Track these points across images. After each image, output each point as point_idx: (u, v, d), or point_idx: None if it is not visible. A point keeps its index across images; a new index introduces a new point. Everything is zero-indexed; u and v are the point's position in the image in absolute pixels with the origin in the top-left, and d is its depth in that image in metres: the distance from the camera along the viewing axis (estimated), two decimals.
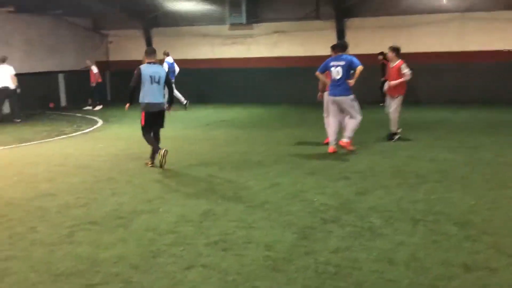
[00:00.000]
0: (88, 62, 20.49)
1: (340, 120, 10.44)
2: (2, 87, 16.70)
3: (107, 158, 10.32)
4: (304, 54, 20.11)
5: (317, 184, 7.92)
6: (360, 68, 9.96)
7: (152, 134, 9.50)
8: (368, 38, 19.66)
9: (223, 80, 21.61)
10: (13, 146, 12.10)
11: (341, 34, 19.92)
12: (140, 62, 9.74)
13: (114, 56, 23.34)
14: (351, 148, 10.25)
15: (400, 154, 10.03)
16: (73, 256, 5.21)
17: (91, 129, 14.74)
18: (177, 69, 19.16)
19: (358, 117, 10.25)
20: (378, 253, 5.14)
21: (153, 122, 9.42)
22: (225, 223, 6.13)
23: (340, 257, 5.06)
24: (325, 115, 11.06)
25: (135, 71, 9.24)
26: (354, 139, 10.72)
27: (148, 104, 9.24)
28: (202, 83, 21.89)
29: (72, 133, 13.94)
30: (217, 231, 5.86)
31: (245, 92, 21.31)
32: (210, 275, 4.69)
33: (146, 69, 9.21)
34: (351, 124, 10.22)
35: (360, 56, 18.48)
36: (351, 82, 10.06)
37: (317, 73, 10.63)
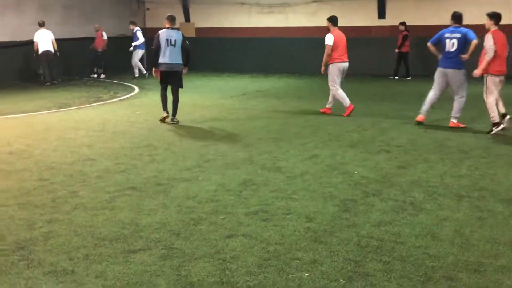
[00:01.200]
0: (97, 26, 19.71)
1: (435, 97, 10.05)
2: (45, 51, 16.93)
3: (145, 125, 10.37)
4: (344, 24, 19.59)
5: (357, 156, 7.81)
6: (475, 42, 9.45)
7: (171, 93, 10.57)
8: (409, 9, 19.20)
9: (259, 50, 21.43)
10: (53, 111, 12.25)
11: (381, 4, 19.48)
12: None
13: (151, 23, 23.34)
14: (461, 125, 9.96)
15: (442, 128, 9.81)
16: (115, 221, 5.25)
17: (127, 96, 14.82)
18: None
19: (464, 96, 9.82)
20: (422, 228, 5.04)
21: (169, 81, 10.55)
22: (265, 193, 6.10)
23: (382, 231, 4.98)
24: (330, 85, 11.36)
25: (155, 36, 10.44)
26: (393, 112, 10.56)
27: (163, 64, 10.39)
28: (238, 52, 21.75)
29: (109, 100, 14.05)
30: (257, 201, 5.83)
31: (282, 62, 21.12)
32: (251, 245, 4.67)
33: (164, 34, 10.40)
34: (458, 104, 9.88)
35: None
36: (465, 56, 9.62)
37: (429, 44, 10.14)
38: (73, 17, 20.58)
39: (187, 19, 22.78)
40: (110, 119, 11.05)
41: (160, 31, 10.45)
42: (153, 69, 10.62)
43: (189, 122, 10.69)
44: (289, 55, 20.97)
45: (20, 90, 16.07)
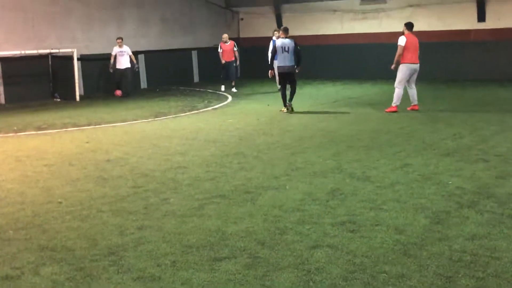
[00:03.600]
0: (225, 36, 18.35)
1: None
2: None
3: (236, 133, 10.50)
4: (441, 28, 19.05)
5: (452, 166, 7.48)
6: None
7: (288, 89, 13.12)
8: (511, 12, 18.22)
9: (352, 56, 21.13)
10: (150, 119, 12.71)
11: (481, 7, 18.61)
12: (270, 38, 11.13)
13: (245, 33, 23.66)
14: None
15: None
16: (203, 229, 5.33)
17: (221, 104, 15.09)
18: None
19: None
20: None
21: (285, 80, 13.14)
22: (352, 203, 5.97)
23: (477, 245, 4.72)
24: (396, 85, 12.54)
25: (271, 44, 14.49)
26: (494, 119, 10.03)
27: (280, 67, 13.06)
28: (330, 59, 21.56)
29: (203, 108, 14.37)
30: (344, 211, 5.72)
31: (376, 68, 20.68)
32: (337, 256, 4.58)
33: (279, 42, 13.03)
34: None
35: (503, 31, 17.29)
36: None
37: None
38: (170, 29, 21.27)
39: (280, 27, 22.90)
40: (203, 128, 11.30)
41: (276, 40, 13.44)
42: (270, 70, 13.40)
43: (277, 130, 10.72)
44: (383, 60, 20.48)
45: (120, 100, 16.81)
